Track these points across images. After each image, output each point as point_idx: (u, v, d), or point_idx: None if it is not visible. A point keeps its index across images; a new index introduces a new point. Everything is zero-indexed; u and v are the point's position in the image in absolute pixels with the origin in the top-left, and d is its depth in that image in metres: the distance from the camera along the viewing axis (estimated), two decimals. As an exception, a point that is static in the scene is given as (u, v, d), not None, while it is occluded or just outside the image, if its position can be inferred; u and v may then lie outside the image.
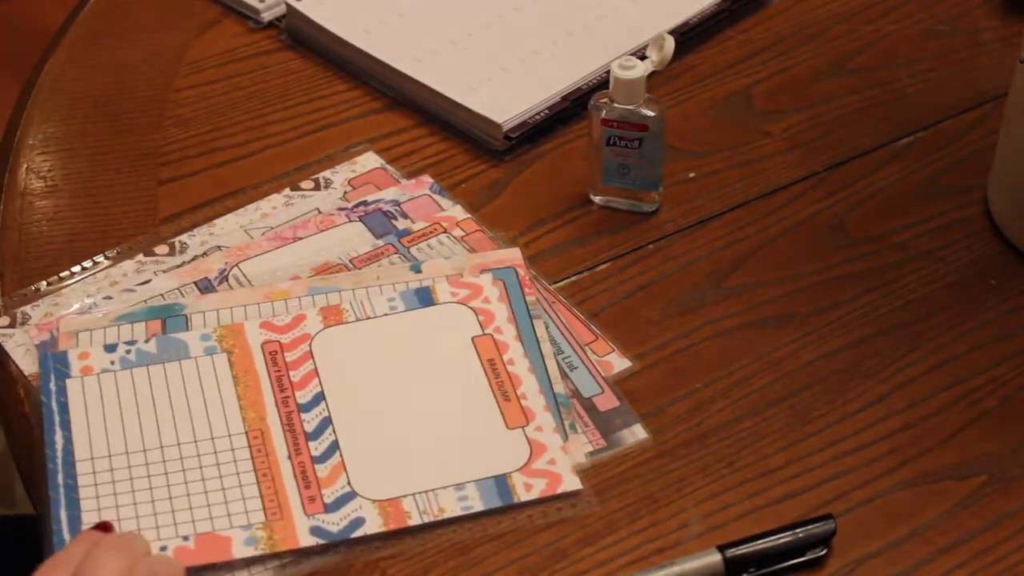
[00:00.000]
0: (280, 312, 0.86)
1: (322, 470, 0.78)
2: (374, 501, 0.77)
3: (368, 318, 0.86)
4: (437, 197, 0.97)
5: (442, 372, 0.84)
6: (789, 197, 0.97)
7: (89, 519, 0.75)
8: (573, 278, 0.92)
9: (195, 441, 0.79)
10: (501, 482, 0.78)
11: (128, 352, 0.83)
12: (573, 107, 1.03)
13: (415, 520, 0.76)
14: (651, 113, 0.91)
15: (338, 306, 0.86)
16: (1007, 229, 0.93)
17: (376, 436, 0.80)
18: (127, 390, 0.82)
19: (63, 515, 0.76)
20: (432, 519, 0.76)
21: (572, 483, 0.78)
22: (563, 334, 0.87)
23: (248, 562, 0.75)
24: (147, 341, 0.84)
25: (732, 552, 0.75)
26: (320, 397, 0.82)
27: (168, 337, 0.85)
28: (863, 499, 0.79)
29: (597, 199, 0.97)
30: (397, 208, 0.96)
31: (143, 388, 0.82)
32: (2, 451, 0.86)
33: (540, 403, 0.82)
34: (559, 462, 0.79)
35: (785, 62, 1.08)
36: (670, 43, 0.91)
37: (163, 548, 0.74)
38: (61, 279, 0.91)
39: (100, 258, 0.92)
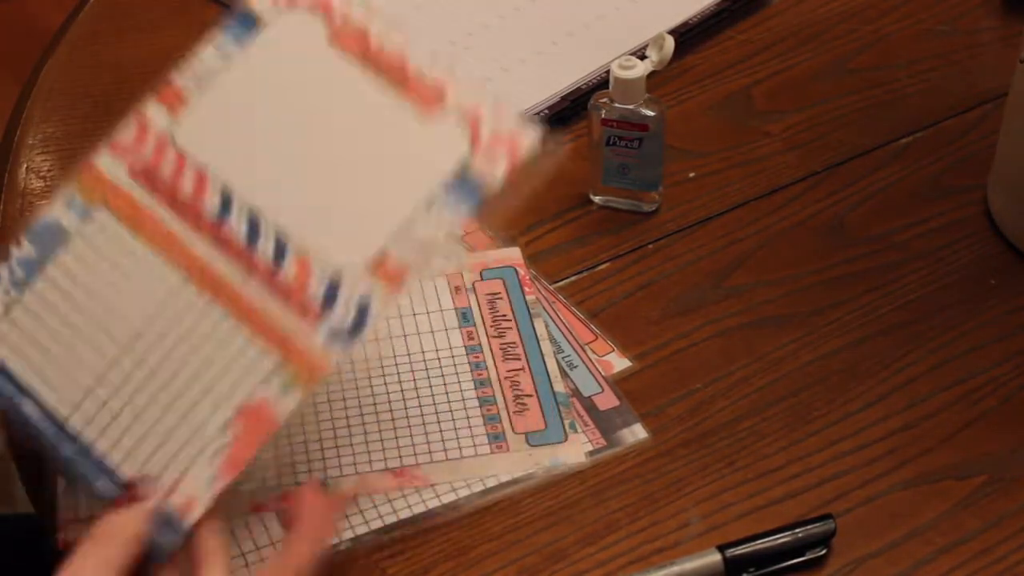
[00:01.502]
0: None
1: (288, 271, 0.71)
2: (362, 269, 0.70)
3: (207, 81, 0.75)
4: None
5: (322, 99, 0.74)
6: (789, 197, 0.97)
7: (128, 467, 0.70)
8: (573, 278, 0.92)
9: (150, 319, 0.72)
10: (463, 177, 0.70)
11: (14, 273, 0.74)
12: (573, 107, 1.03)
13: (412, 273, 0.70)
14: (651, 113, 0.91)
15: (173, 86, 0.75)
16: (1007, 229, 0.93)
17: (307, 196, 0.72)
18: (47, 314, 0.73)
19: (102, 483, 0.70)
20: (428, 259, 0.70)
21: (529, 135, 0.70)
22: (563, 333, 0.87)
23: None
24: (19, 245, 0.74)
25: (732, 552, 0.75)
26: (227, 193, 0.73)
27: (37, 226, 0.74)
28: (863, 499, 0.79)
29: (597, 199, 0.97)
30: (397, 208, 0.96)
31: (57, 301, 0.73)
32: (2, 451, 0.86)
33: (441, 66, 0.73)
34: (504, 117, 0.71)
35: (785, 62, 1.08)
36: (670, 43, 0.91)
37: (215, 453, 0.69)
38: (61, 279, 0.91)
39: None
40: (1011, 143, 0.91)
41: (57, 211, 0.74)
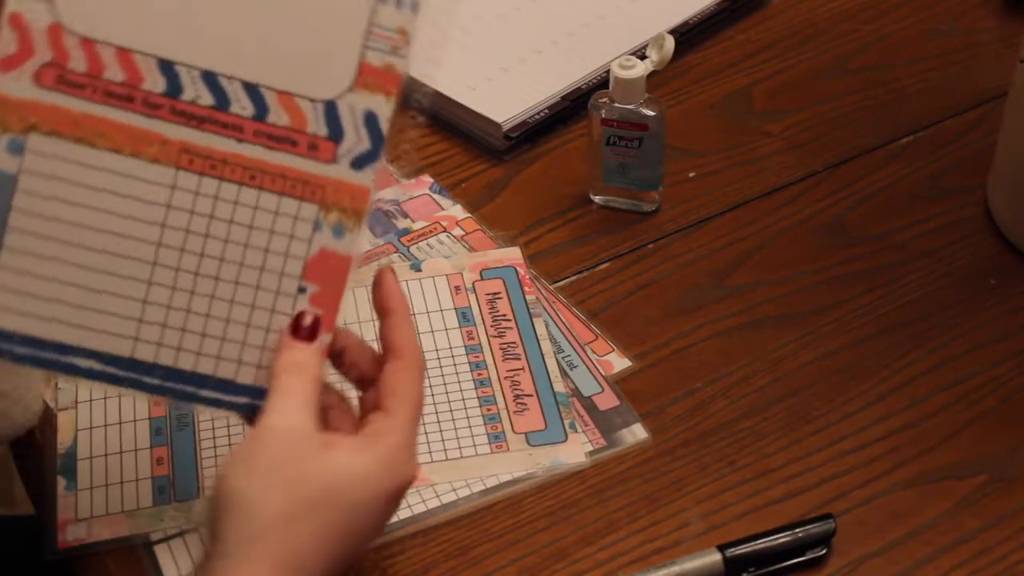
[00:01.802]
0: None
1: (277, 118, 0.67)
2: (352, 89, 0.67)
3: None
4: (437, 196, 0.97)
5: None
6: (789, 197, 0.97)
7: (225, 371, 0.68)
8: (573, 278, 0.92)
9: (163, 225, 0.67)
10: None
11: None
12: (573, 107, 1.03)
13: (400, 66, 0.67)
14: (651, 113, 0.91)
15: None
16: (1007, 229, 0.93)
17: (255, 35, 0.67)
18: (38, 266, 0.67)
19: (207, 394, 0.68)
20: (407, 48, 0.67)
21: None
22: (563, 333, 0.87)
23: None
24: None
25: (732, 552, 0.75)
26: (167, 66, 0.66)
27: None
28: (863, 499, 0.79)
29: (597, 199, 0.97)
30: (397, 207, 0.96)
31: (42, 248, 0.67)
32: (2, 451, 0.86)
33: None
34: None
35: (785, 62, 1.08)
36: (670, 43, 0.91)
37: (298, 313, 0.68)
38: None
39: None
40: (1011, 143, 0.91)
41: None
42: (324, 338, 0.68)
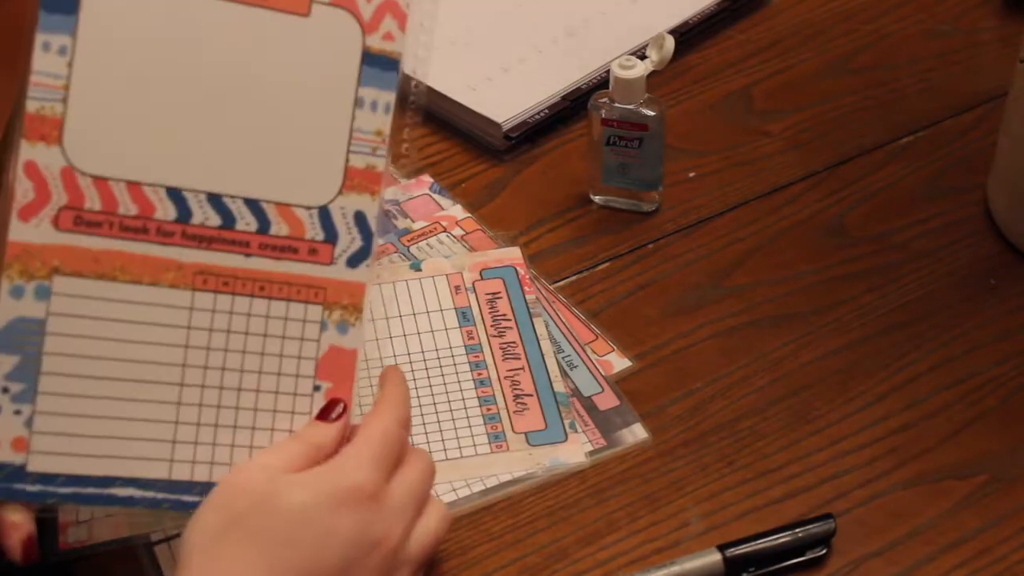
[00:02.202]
0: None
1: (278, 229, 0.71)
2: (340, 193, 0.72)
3: (66, 88, 0.68)
4: (437, 196, 0.97)
5: (196, 46, 0.70)
6: (789, 197, 0.97)
7: None
8: (573, 278, 0.92)
9: (187, 346, 0.70)
10: (369, 59, 0.72)
11: (9, 391, 0.68)
12: (573, 107, 1.03)
13: (381, 165, 0.72)
14: (651, 113, 0.91)
15: (32, 115, 0.68)
16: (1007, 229, 0.93)
17: (252, 157, 0.71)
18: (74, 405, 0.69)
19: None
20: (385, 149, 0.72)
21: None
22: (563, 333, 0.87)
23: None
24: None
25: (732, 552, 0.75)
26: (176, 194, 0.70)
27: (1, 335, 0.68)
28: (863, 499, 0.79)
29: (597, 199, 0.97)
30: (397, 207, 0.96)
31: (76, 389, 0.69)
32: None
33: None
34: None
35: (785, 62, 1.08)
36: (670, 43, 0.91)
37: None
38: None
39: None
40: (1011, 143, 0.91)
41: (7, 305, 0.67)
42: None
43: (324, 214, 0.71)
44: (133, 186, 0.69)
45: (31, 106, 0.67)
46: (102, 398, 0.69)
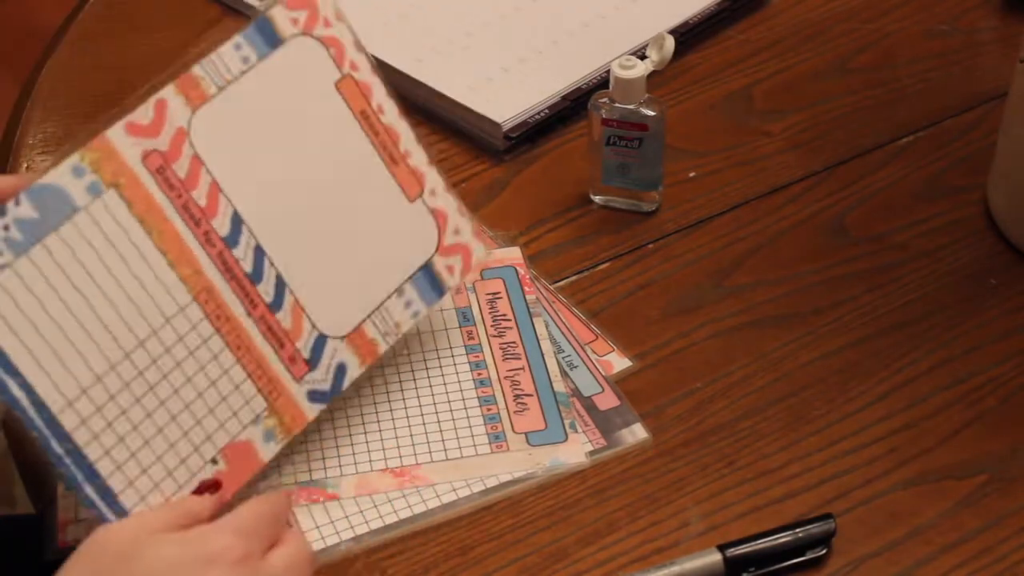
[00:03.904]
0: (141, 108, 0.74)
1: (284, 319, 0.76)
2: (342, 338, 0.78)
3: (228, 82, 0.76)
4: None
5: (327, 144, 0.79)
6: (789, 197, 0.97)
7: (116, 482, 0.70)
8: (573, 278, 0.92)
9: (154, 333, 0.71)
10: (428, 273, 0.81)
11: (9, 230, 0.68)
12: (573, 107, 1.03)
13: (383, 347, 0.79)
14: (651, 113, 0.91)
15: (193, 77, 0.75)
16: (1007, 229, 0.93)
17: (304, 253, 0.77)
18: (42, 288, 0.69)
19: (89, 490, 0.70)
20: (394, 338, 0.80)
21: (479, 251, 0.83)
22: (563, 333, 0.87)
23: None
24: (17, 204, 0.69)
25: (732, 552, 0.75)
26: (237, 220, 0.75)
27: (40, 188, 0.69)
28: (863, 499, 0.79)
29: (597, 199, 0.97)
30: (397, 208, 0.96)
31: (55, 277, 0.69)
32: (2, 451, 0.86)
33: (423, 160, 0.82)
34: (463, 230, 0.82)
35: (785, 62, 1.08)
36: (670, 43, 0.91)
37: (201, 479, 0.73)
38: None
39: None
40: (1011, 143, 0.91)
41: (64, 178, 0.70)
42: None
43: (320, 342, 0.77)
44: (215, 186, 0.74)
45: (197, 70, 0.74)
46: (67, 304, 0.69)
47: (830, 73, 1.07)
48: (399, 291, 0.79)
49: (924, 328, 0.88)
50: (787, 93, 1.05)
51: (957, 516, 0.78)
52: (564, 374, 0.85)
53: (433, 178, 0.81)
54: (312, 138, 0.78)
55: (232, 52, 0.76)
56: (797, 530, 0.76)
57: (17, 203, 0.68)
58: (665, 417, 0.83)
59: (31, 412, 0.68)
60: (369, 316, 0.78)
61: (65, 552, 0.75)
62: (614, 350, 0.87)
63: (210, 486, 0.73)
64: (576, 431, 0.82)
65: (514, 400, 0.83)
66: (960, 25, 1.10)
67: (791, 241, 0.94)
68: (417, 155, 0.81)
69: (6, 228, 0.68)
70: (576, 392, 0.84)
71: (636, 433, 0.82)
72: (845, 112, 1.03)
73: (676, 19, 1.08)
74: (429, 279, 0.80)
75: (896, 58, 1.08)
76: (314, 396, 0.76)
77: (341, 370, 0.77)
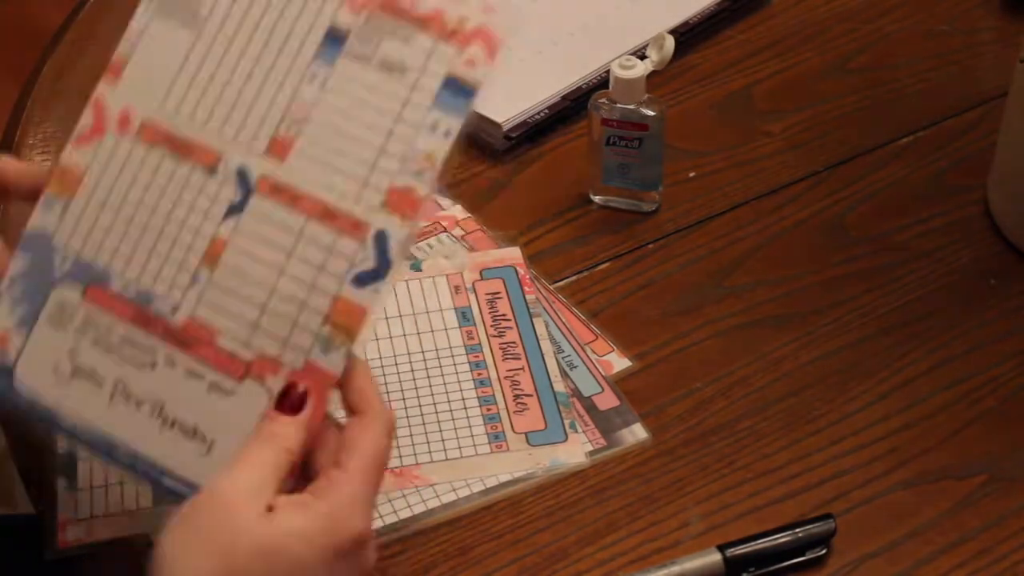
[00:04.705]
0: None
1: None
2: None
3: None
4: (437, 196, 0.97)
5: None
6: (789, 197, 0.97)
7: None
8: (573, 278, 0.92)
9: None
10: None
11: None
12: (573, 107, 1.03)
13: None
14: (651, 113, 0.91)
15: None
16: (1007, 229, 0.93)
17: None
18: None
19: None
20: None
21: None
22: (563, 333, 0.87)
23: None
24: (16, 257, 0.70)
25: (732, 552, 0.75)
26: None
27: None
28: (863, 499, 0.79)
29: (597, 199, 0.97)
30: (397, 208, 0.96)
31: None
32: (2, 451, 0.86)
33: None
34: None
35: (785, 62, 1.08)
36: (670, 43, 0.92)
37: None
38: (61, 279, 0.91)
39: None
40: (1011, 143, 0.91)
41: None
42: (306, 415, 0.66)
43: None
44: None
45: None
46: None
47: (830, 73, 1.07)
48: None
49: (924, 328, 0.88)
50: (787, 93, 1.05)
51: (957, 516, 0.78)
52: (564, 374, 0.85)
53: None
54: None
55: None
56: (797, 530, 0.76)
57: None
58: (665, 417, 0.83)
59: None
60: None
61: (65, 552, 0.75)
62: (614, 350, 0.87)
63: (291, 395, 0.65)
64: (576, 431, 0.82)
65: (514, 400, 0.83)
66: (960, 25, 1.10)
67: (791, 241, 0.94)
68: None
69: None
70: (576, 392, 0.84)
71: (636, 433, 0.82)
72: (845, 112, 1.03)
73: (676, 19, 1.08)
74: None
75: (896, 58, 1.08)
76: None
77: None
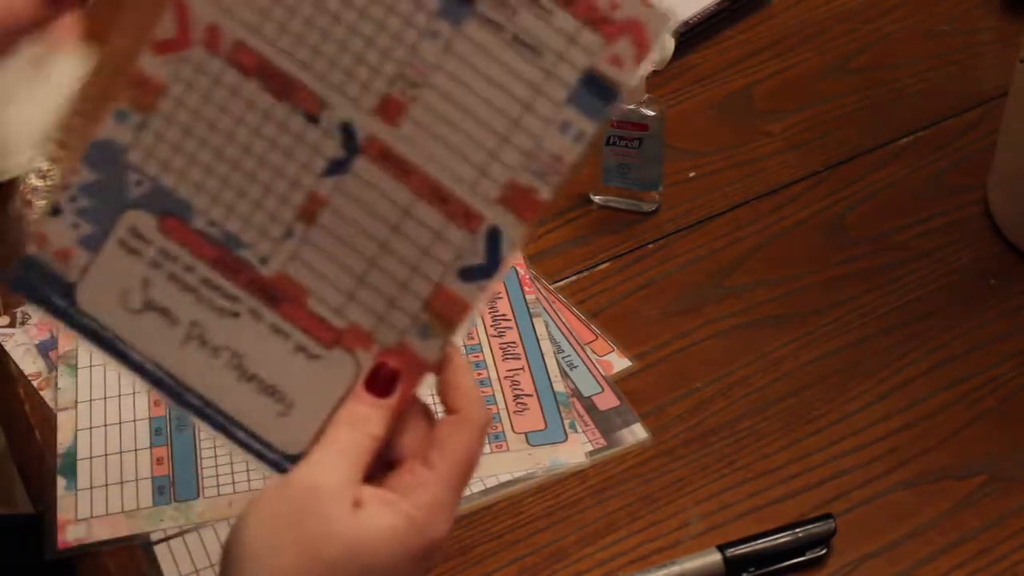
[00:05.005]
0: None
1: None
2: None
3: None
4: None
5: None
6: (789, 197, 0.97)
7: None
8: (573, 278, 0.92)
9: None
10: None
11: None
12: (573, 107, 1.03)
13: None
14: (651, 113, 0.91)
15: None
16: (1007, 229, 0.93)
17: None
18: None
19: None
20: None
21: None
22: (563, 333, 0.87)
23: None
24: (76, 173, 0.63)
25: (732, 552, 0.75)
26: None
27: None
28: (863, 499, 0.79)
29: (597, 199, 0.97)
30: (397, 208, 0.96)
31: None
32: (2, 451, 0.86)
33: None
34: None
35: (785, 62, 1.08)
36: (670, 43, 0.92)
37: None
38: (61, 279, 0.91)
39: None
40: (1011, 143, 0.91)
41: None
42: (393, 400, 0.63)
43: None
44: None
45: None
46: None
47: (830, 73, 1.07)
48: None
49: (924, 328, 0.88)
50: (787, 93, 1.05)
51: (957, 516, 0.78)
52: (564, 374, 0.85)
53: None
54: None
55: None
56: (797, 530, 0.76)
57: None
58: (665, 417, 0.83)
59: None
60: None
61: (65, 552, 0.75)
62: (614, 350, 0.87)
63: (380, 374, 0.62)
64: (576, 431, 0.82)
65: (514, 400, 0.83)
66: (960, 25, 1.10)
67: (791, 241, 0.94)
68: None
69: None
70: (576, 392, 0.84)
71: (636, 433, 0.82)
72: (845, 112, 1.03)
73: (676, 19, 1.08)
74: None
75: (896, 58, 1.08)
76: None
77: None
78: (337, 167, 0.62)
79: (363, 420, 0.62)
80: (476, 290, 0.61)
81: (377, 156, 0.62)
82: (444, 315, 0.62)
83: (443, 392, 0.63)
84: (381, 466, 0.62)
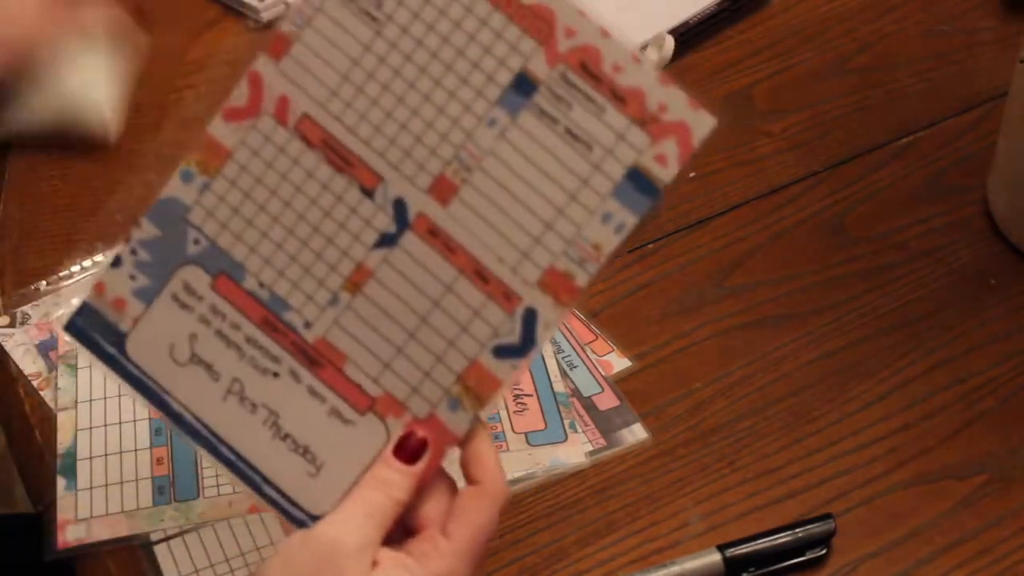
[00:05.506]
0: None
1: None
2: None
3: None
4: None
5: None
6: (789, 197, 0.97)
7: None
8: (573, 278, 0.92)
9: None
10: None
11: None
12: (573, 107, 1.03)
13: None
14: (651, 113, 0.91)
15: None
16: (1007, 229, 0.93)
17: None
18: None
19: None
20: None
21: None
22: (563, 333, 0.87)
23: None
24: (139, 227, 0.66)
25: (732, 552, 0.75)
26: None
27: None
28: (863, 499, 0.79)
29: (597, 199, 0.97)
30: (397, 208, 0.96)
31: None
32: (2, 451, 0.86)
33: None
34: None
35: (785, 62, 1.08)
36: (670, 43, 0.92)
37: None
38: (61, 278, 0.91)
39: (100, 257, 0.92)
40: (1011, 143, 0.91)
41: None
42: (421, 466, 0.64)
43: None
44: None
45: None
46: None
47: (830, 73, 1.07)
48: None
49: (924, 328, 0.88)
50: (787, 93, 1.05)
51: (957, 516, 0.78)
52: (564, 374, 0.85)
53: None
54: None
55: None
56: (797, 530, 0.76)
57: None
58: (665, 417, 0.83)
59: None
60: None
61: (65, 552, 0.75)
62: (614, 350, 0.87)
63: (409, 443, 0.63)
64: (576, 431, 0.82)
65: (514, 400, 0.83)
66: (960, 25, 1.10)
67: (791, 241, 0.94)
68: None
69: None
70: (576, 392, 0.84)
71: (636, 433, 0.82)
72: (845, 112, 1.03)
73: (676, 19, 1.08)
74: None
75: (896, 58, 1.08)
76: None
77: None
78: (387, 240, 0.64)
79: (389, 484, 0.63)
80: (508, 368, 0.63)
81: (425, 233, 0.64)
82: (475, 390, 0.63)
83: (466, 463, 0.64)
84: (401, 531, 0.63)
